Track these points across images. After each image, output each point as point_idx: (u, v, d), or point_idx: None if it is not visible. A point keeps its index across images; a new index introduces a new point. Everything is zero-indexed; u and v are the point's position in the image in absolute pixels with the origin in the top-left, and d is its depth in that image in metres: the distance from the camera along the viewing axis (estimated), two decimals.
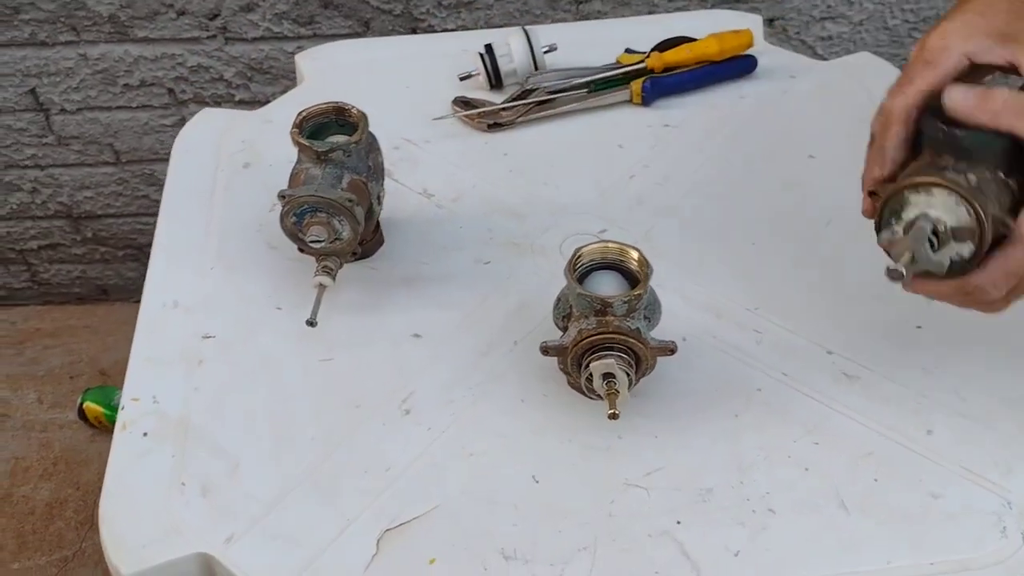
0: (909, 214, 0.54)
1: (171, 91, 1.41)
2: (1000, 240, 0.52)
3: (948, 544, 0.57)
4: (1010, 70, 0.54)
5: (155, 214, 1.56)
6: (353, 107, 0.71)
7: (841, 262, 0.74)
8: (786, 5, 1.33)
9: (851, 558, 0.56)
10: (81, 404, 1.49)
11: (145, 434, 0.64)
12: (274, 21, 1.34)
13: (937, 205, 0.52)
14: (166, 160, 1.49)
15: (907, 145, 0.56)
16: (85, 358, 1.62)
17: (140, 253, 1.64)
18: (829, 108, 0.90)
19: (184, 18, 1.33)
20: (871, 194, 0.57)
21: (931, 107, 0.54)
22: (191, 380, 0.67)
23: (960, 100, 0.52)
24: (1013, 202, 0.52)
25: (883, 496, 0.59)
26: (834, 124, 0.88)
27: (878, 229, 0.56)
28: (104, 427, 1.50)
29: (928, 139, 0.54)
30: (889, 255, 0.55)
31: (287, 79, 1.39)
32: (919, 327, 0.69)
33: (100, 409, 1.49)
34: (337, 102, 0.72)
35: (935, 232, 0.52)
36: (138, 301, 1.71)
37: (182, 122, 1.43)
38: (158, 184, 1.54)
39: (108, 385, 1.54)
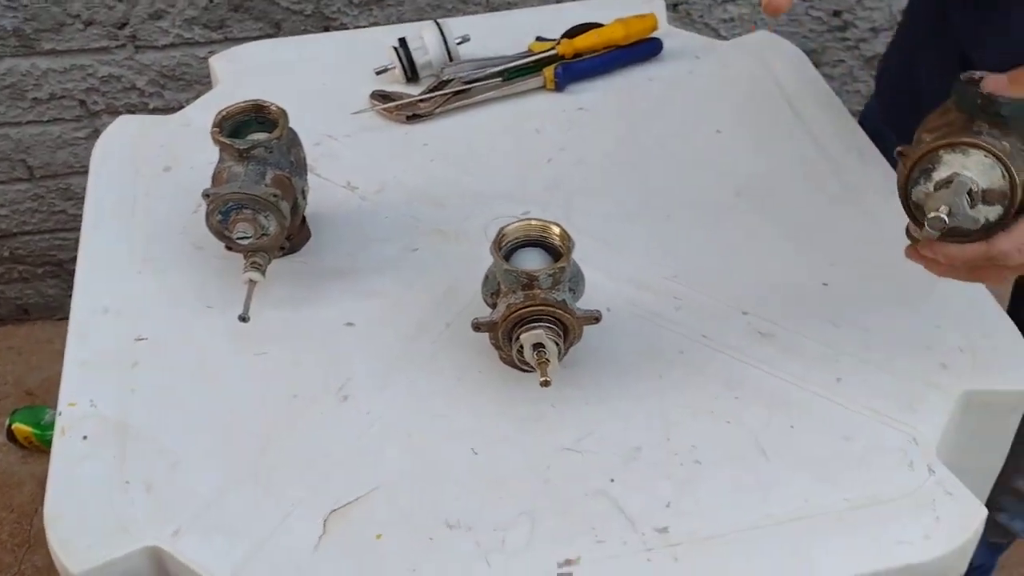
0: (942, 173, 0.55)
1: (83, 103, 1.39)
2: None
3: (861, 481, 0.61)
4: None
5: (74, 229, 1.55)
6: (272, 104, 0.73)
7: (752, 229, 0.79)
8: None
9: (773, 500, 0.60)
10: (9, 425, 1.46)
11: (85, 437, 0.64)
12: (184, 27, 1.33)
13: (971, 166, 0.54)
14: (82, 173, 1.48)
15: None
16: (10, 379, 1.59)
17: (60, 269, 1.61)
18: (732, 85, 0.94)
19: (92, 28, 1.31)
20: (899, 154, 0.58)
21: (963, 77, 0.55)
22: (127, 382, 0.68)
23: (997, 81, 0.53)
24: None
25: (799, 442, 0.63)
26: (738, 100, 0.92)
27: (905, 186, 0.57)
28: (35, 447, 1.47)
29: (964, 103, 0.55)
30: (915, 215, 0.57)
31: (201, 84, 1.38)
32: (825, 284, 0.74)
33: (29, 429, 1.46)
34: (256, 100, 0.73)
35: (969, 191, 0.54)
36: (61, 319, 1.68)
37: (96, 134, 1.41)
38: (75, 198, 1.52)
39: (36, 405, 1.51)
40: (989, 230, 0.55)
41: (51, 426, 1.46)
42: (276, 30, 1.33)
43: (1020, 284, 0.90)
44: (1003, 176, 0.53)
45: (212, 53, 1.33)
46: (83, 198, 1.51)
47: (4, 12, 1.27)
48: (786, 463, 0.62)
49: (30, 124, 1.41)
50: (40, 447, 1.47)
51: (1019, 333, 0.69)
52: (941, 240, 0.56)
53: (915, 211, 0.57)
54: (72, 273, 1.58)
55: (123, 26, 1.32)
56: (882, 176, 0.82)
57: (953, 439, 0.66)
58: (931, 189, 0.55)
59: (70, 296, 1.63)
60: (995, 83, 0.53)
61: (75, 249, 1.54)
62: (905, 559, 0.57)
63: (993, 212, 0.54)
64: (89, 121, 1.42)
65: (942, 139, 0.55)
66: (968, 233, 0.56)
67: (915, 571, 0.58)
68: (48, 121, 1.41)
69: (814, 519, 0.59)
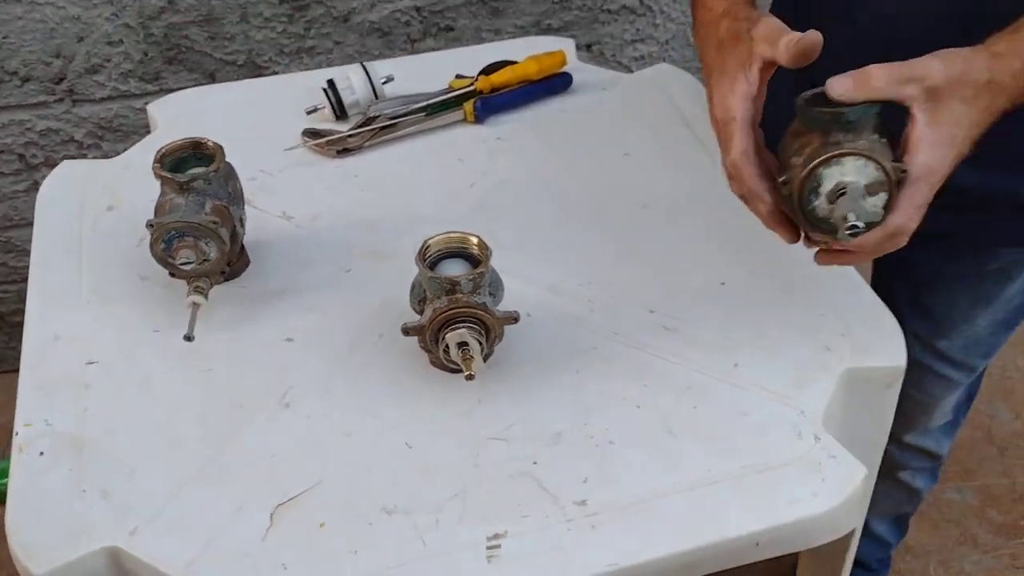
0: (828, 186, 0.62)
1: (21, 156, 1.43)
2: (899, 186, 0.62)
3: (756, 450, 0.68)
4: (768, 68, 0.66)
5: (14, 281, 1.58)
6: (209, 140, 0.79)
7: (656, 238, 0.86)
8: (601, 31, 1.48)
9: (679, 471, 0.67)
10: None
11: (41, 453, 0.69)
12: (120, 80, 1.38)
13: (850, 171, 0.61)
14: (22, 226, 1.51)
15: (768, 177, 0.65)
16: None
17: (1, 322, 1.63)
18: (637, 113, 1.02)
19: (29, 84, 1.36)
20: (783, 183, 0.64)
21: (801, 100, 0.63)
22: (80, 402, 0.72)
23: (841, 86, 0.60)
24: (893, 155, 0.62)
25: (702, 419, 0.70)
26: (642, 125, 1.00)
27: (802, 208, 0.64)
28: None
29: (815, 123, 0.63)
30: (821, 227, 0.63)
31: (138, 135, 1.42)
32: (723, 283, 0.82)
33: None
34: (194, 137, 0.79)
35: (857, 191, 0.61)
36: (4, 371, 1.69)
37: (35, 186, 1.45)
38: (15, 251, 1.54)
39: None
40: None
41: (4, 473, 1.47)
42: (210, 80, 1.39)
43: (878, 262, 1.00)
44: (876, 168, 0.61)
45: (148, 104, 1.39)
46: (24, 251, 1.55)
47: None
48: (690, 439, 0.69)
49: None
50: None
51: (892, 317, 0.78)
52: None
53: (821, 224, 0.64)
54: (13, 325, 1.61)
55: (60, 81, 1.36)
56: None
57: (840, 411, 0.74)
58: (826, 203, 0.62)
59: (11, 348, 1.65)
60: (840, 85, 0.60)
61: (16, 302, 1.57)
62: (797, 515, 0.65)
63: (881, 200, 0.62)
64: (28, 175, 1.45)
65: (814, 159, 0.62)
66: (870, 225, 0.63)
67: (806, 525, 0.65)
68: None
69: (717, 485, 0.66)
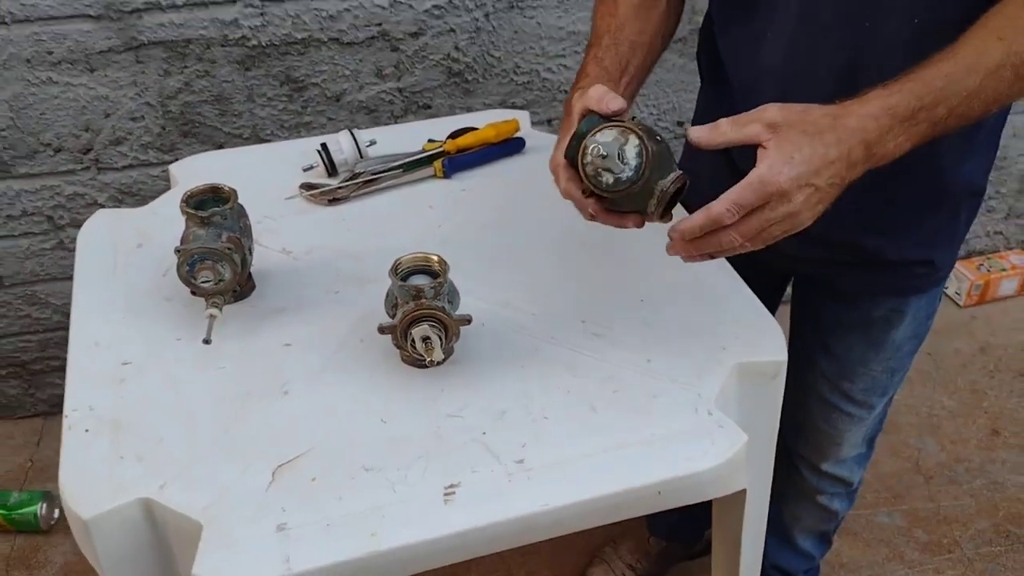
0: (590, 159, 0.79)
1: (50, 218, 1.62)
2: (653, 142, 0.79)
3: (661, 423, 0.85)
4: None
5: (37, 331, 1.75)
6: (226, 185, 0.98)
7: (590, 266, 1.05)
8: (559, 109, 1.69)
9: (600, 439, 0.84)
10: None
11: (87, 430, 0.85)
12: (140, 151, 1.58)
13: (595, 142, 0.79)
14: (46, 280, 1.70)
15: (572, 172, 0.84)
16: None
17: (22, 370, 1.79)
18: None
19: (61, 154, 1.56)
20: (583, 190, 0.84)
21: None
22: (117, 393, 0.89)
23: (697, 134, 0.78)
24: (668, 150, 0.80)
25: (620, 401, 0.88)
26: None
27: (615, 212, 0.83)
28: (2, 527, 1.61)
29: (574, 154, 0.82)
30: (597, 183, 0.81)
31: (154, 198, 1.62)
32: (642, 300, 1.00)
33: None
34: (213, 183, 0.98)
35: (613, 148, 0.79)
36: (21, 417, 1.85)
37: (60, 245, 1.64)
38: (39, 303, 1.72)
39: (1, 490, 1.66)
40: (643, 179, 0.79)
41: (19, 506, 1.62)
42: (219, 151, 1.60)
43: (795, 314, 1.18)
44: (612, 128, 0.79)
45: (164, 172, 1.59)
46: (47, 304, 1.73)
47: None
48: (610, 414, 0.86)
49: (2, 239, 1.62)
50: (7, 527, 1.61)
51: (776, 324, 0.96)
52: (681, 228, 0.79)
53: (633, 200, 0.81)
54: (34, 373, 1.78)
55: (88, 151, 1.56)
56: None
57: (736, 398, 0.91)
58: (605, 172, 0.80)
59: (30, 395, 1.82)
60: (696, 133, 0.78)
61: (38, 351, 1.74)
62: (691, 469, 0.81)
63: (634, 144, 0.78)
64: (55, 234, 1.64)
65: (580, 158, 0.81)
66: (628, 184, 0.79)
67: (698, 478, 0.82)
68: (19, 235, 1.63)
69: (629, 448, 0.83)
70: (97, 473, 0.81)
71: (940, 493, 1.72)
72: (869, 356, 1.11)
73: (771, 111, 0.75)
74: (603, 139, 0.80)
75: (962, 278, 2.17)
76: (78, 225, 1.63)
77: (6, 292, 1.69)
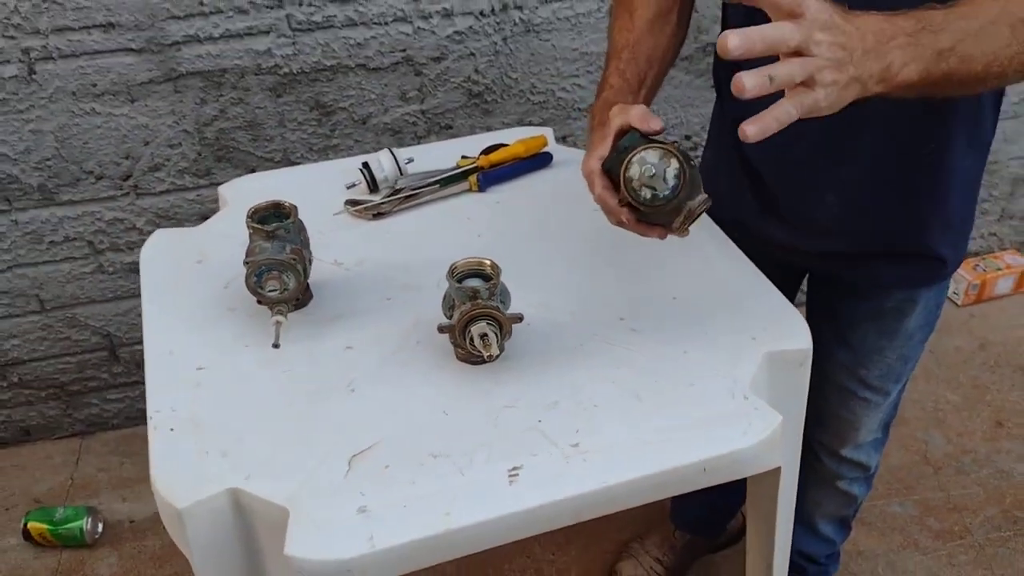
0: (635, 177, 0.87)
1: (90, 243, 1.69)
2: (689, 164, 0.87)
3: (701, 408, 0.92)
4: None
5: (73, 353, 1.82)
6: (286, 201, 1.05)
7: (623, 268, 1.13)
8: (573, 126, 1.78)
9: (647, 424, 0.91)
10: (25, 524, 1.66)
11: (172, 430, 0.92)
12: (177, 176, 1.66)
13: (639, 163, 0.87)
14: (86, 303, 1.77)
15: (607, 181, 0.92)
16: (17, 491, 1.79)
17: (61, 391, 1.85)
18: None
19: (102, 181, 1.63)
20: (620, 200, 0.91)
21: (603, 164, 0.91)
22: (195, 395, 0.96)
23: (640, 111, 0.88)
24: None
25: (662, 389, 0.95)
26: None
27: (647, 222, 0.91)
28: (48, 543, 1.67)
29: (615, 164, 0.89)
30: (636, 196, 0.88)
31: (189, 222, 1.69)
32: (674, 298, 1.08)
33: (43, 526, 1.66)
34: (275, 200, 1.06)
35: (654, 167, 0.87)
36: (59, 437, 1.91)
37: (99, 269, 1.71)
38: (79, 326, 1.78)
39: (46, 506, 1.72)
40: (677, 198, 0.87)
41: (64, 521, 1.67)
42: (252, 174, 1.67)
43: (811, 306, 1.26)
44: (655, 149, 0.87)
45: (200, 196, 1.67)
46: (87, 326, 1.79)
47: (32, 172, 1.58)
48: (654, 402, 0.93)
49: (45, 264, 1.69)
50: (53, 542, 1.67)
51: (800, 315, 1.04)
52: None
53: (657, 204, 0.89)
54: (72, 394, 1.84)
55: (128, 178, 1.64)
56: (707, 227, 1.17)
57: (766, 384, 0.99)
58: (648, 189, 0.88)
59: (68, 415, 1.88)
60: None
61: (76, 372, 1.81)
62: (731, 447, 0.89)
63: (674, 165, 0.87)
64: (95, 258, 1.71)
65: (621, 174, 0.89)
66: (664, 201, 0.88)
67: (738, 455, 0.89)
68: (60, 260, 1.69)
69: (673, 430, 0.90)
70: (185, 468, 0.88)
71: (949, 483, 1.79)
72: (883, 344, 1.19)
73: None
74: (650, 159, 0.88)
75: (959, 278, 2.26)
76: (117, 249, 1.72)
77: (47, 316, 1.75)
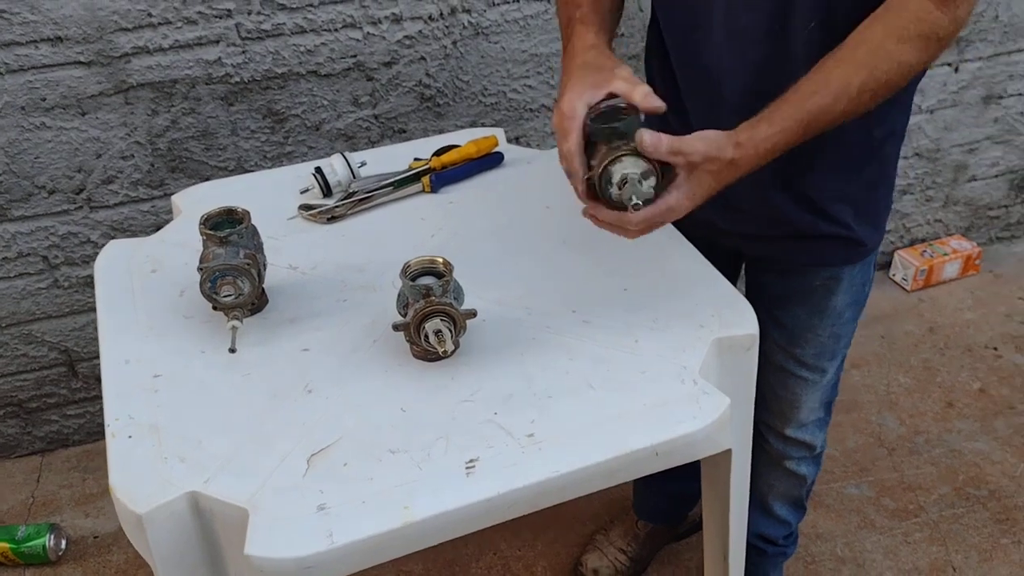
0: (616, 177, 0.91)
1: (45, 258, 1.68)
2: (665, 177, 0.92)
3: (652, 393, 0.95)
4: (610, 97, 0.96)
5: (31, 370, 1.81)
6: (239, 207, 1.06)
7: (574, 262, 1.15)
8: (525, 126, 1.80)
9: (600, 412, 0.93)
10: None
11: (130, 436, 0.93)
12: (131, 188, 1.66)
13: (628, 165, 0.91)
14: (42, 319, 1.75)
15: (585, 167, 0.94)
16: None
17: (20, 409, 1.83)
18: (553, 178, 1.31)
19: (55, 195, 1.62)
20: (588, 180, 0.94)
21: (592, 122, 0.93)
22: (153, 401, 0.97)
23: (648, 140, 0.89)
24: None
25: (614, 378, 0.97)
26: (558, 186, 1.29)
27: (595, 197, 0.94)
28: (11, 562, 1.65)
29: (602, 137, 0.92)
30: (617, 206, 0.92)
31: (144, 233, 1.69)
32: (625, 289, 1.10)
33: (5, 545, 1.64)
34: (227, 206, 1.06)
35: (636, 179, 0.91)
36: (19, 455, 1.89)
37: (55, 284, 1.70)
38: (35, 342, 1.77)
39: (7, 525, 1.70)
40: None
41: (27, 539, 1.66)
42: (205, 183, 1.67)
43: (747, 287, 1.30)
44: (645, 162, 0.91)
45: (155, 207, 1.66)
46: (43, 342, 1.78)
47: None
48: (606, 390, 0.96)
49: None
50: (16, 561, 1.66)
51: (747, 301, 1.07)
52: (643, 211, 0.92)
53: (616, 205, 0.93)
54: (30, 411, 1.82)
55: (80, 191, 1.63)
56: None
57: (716, 370, 1.01)
58: (617, 190, 0.92)
59: (27, 433, 1.86)
60: (647, 139, 0.90)
61: (33, 389, 1.79)
62: (682, 431, 0.91)
63: (651, 183, 0.92)
64: (50, 273, 1.70)
65: (603, 162, 0.92)
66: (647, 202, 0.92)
67: (689, 439, 0.92)
68: (14, 276, 1.68)
69: (626, 417, 0.92)
70: (144, 474, 0.88)
71: (903, 463, 1.84)
72: (814, 322, 1.23)
73: (697, 150, 0.90)
74: (635, 168, 0.91)
75: (907, 264, 2.31)
76: (72, 263, 1.71)
77: (2, 333, 1.74)
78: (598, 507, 1.76)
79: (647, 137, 0.90)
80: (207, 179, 1.67)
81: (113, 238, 1.69)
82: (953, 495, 1.77)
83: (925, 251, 2.33)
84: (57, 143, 1.57)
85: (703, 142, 0.91)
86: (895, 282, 2.36)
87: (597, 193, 0.94)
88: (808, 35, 1.00)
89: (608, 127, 0.92)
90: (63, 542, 1.72)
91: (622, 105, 0.94)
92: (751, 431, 1.11)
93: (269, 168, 1.70)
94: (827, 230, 1.15)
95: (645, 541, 1.65)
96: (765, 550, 1.51)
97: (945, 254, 2.32)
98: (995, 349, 2.12)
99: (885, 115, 1.07)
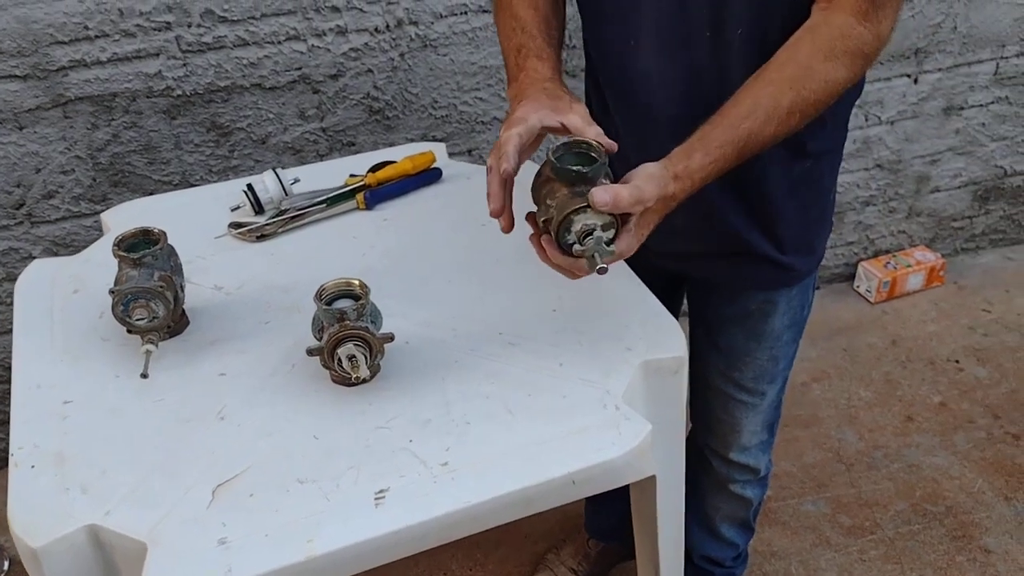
0: (576, 227, 0.88)
1: None
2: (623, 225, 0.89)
3: (572, 419, 0.93)
4: (562, 130, 0.93)
5: None
6: (155, 228, 1.04)
7: (505, 283, 1.13)
8: (478, 139, 1.78)
9: (516, 439, 0.91)
10: None
11: (32, 466, 0.90)
12: (72, 203, 1.63)
13: (591, 216, 0.87)
14: None
15: (540, 201, 0.91)
16: None
17: None
18: None
19: None
20: (543, 221, 0.90)
21: (556, 160, 0.89)
22: (60, 428, 0.94)
23: (601, 200, 0.85)
24: None
25: (534, 403, 0.95)
26: None
27: (558, 239, 0.89)
28: None
29: (565, 178, 0.88)
30: (563, 235, 0.88)
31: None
32: (554, 310, 1.08)
33: None
34: (143, 227, 1.04)
35: (596, 230, 0.87)
36: None
37: None
38: None
39: None
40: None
41: None
42: (150, 197, 1.64)
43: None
44: (608, 214, 0.88)
45: (97, 222, 1.63)
46: None
47: None
48: (525, 415, 0.93)
49: None
50: None
51: (676, 322, 1.05)
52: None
53: (569, 253, 0.90)
54: None
55: (20, 207, 1.60)
56: None
57: (643, 394, 0.99)
58: (576, 238, 0.88)
59: None
60: (600, 198, 0.85)
61: None
62: (601, 458, 0.89)
63: (611, 233, 0.89)
64: None
65: (566, 208, 0.87)
66: (579, 253, 0.89)
67: (608, 466, 0.89)
68: None
69: (544, 444, 0.90)
70: (44, 505, 0.86)
71: (861, 479, 1.82)
72: (751, 346, 1.21)
73: (649, 195, 0.88)
74: (600, 220, 0.87)
75: (871, 276, 2.30)
76: (14, 279, 1.67)
77: None
78: (551, 524, 1.73)
79: (607, 197, 0.86)
80: (151, 193, 1.65)
81: (56, 254, 1.66)
82: (910, 511, 1.75)
83: (889, 263, 2.32)
84: None
85: (652, 184, 0.88)
86: (859, 294, 2.34)
87: (545, 231, 0.91)
88: (740, 43, 0.98)
89: (574, 170, 0.88)
90: (6, 563, 1.69)
91: (589, 142, 0.91)
92: (682, 456, 1.09)
93: (215, 182, 1.67)
94: (756, 253, 1.13)
95: (596, 560, 1.62)
96: (713, 572, 1.48)
97: (909, 266, 2.30)
98: (957, 362, 2.11)
99: (816, 132, 1.05)
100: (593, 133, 0.91)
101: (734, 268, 1.15)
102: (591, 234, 0.87)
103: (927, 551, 1.67)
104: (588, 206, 0.87)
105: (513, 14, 1.04)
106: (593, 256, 0.87)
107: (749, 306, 1.18)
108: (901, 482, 1.81)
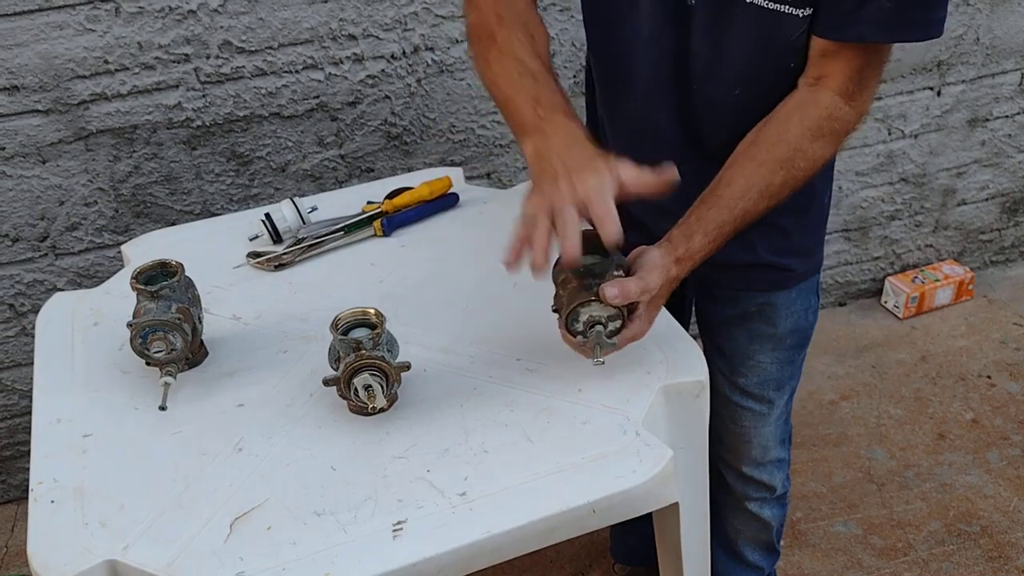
0: (583, 318, 0.93)
1: (11, 306, 1.67)
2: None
3: (592, 446, 0.91)
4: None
5: (4, 418, 1.79)
6: (173, 260, 1.04)
7: (523, 309, 1.12)
8: (496, 162, 1.78)
9: (536, 467, 0.90)
10: None
11: (52, 501, 0.90)
12: (95, 234, 1.64)
13: (596, 308, 0.92)
14: (11, 367, 1.74)
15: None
16: None
17: None
18: (509, 217, 1.29)
19: (19, 244, 1.61)
20: (554, 309, 0.97)
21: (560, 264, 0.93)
22: (80, 463, 0.94)
23: (612, 294, 0.89)
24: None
25: (554, 429, 0.94)
26: (510, 228, 1.27)
27: (567, 327, 0.94)
28: None
29: (575, 274, 0.93)
30: (572, 323, 0.93)
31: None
32: None
33: None
34: (161, 259, 1.04)
35: (601, 322, 0.93)
36: None
37: (23, 332, 1.69)
38: (6, 390, 1.75)
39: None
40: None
41: None
42: (169, 228, 1.65)
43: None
44: (615, 308, 0.92)
45: (120, 253, 1.65)
46: (14, 390, 1.77)
47: None
48: (544, 443, 0.92)
49: None
50: None
51: (697, 346, 1.03)
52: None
53: (577, 338, 0.95)
54: (3, 459, 1.81)
55: (44, 239, 1.62)
56: None
57: (664, 418, 0.98)
58: (582, 327, 0.93)
59: (2, 481, 1.84)
60: (611, 292, 0.89)
61: (6, 437, 1.76)
62: (622, 487, 0.87)
63: (617, 324, 0.94)
64: (17, 321, 1.68)
65: (574, 301, 0.92)
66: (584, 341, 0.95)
67: (629, 494, 0.88)
68: None
69: (563, 472, 0.89)
70: (63, 540, 0.86)
71: (892, 499, 1.78)
72: (754, 348, 1.21)
73: (655, 284, 0.93)
74: (604, 312, 0.93)
75: (899, 291, 2.26)
76: (39, 311, 1.69)
77: None
78: (577, 548, 1.72)
79: (615, 291, 0.90)
80: (173, 223, 1.66)
81: (80, 285, 1.68)
82: (944, 532, 1.71)
83: (916, 277, 2.28)
84: (18, 191, 1.56)
85: (655, 273, 0.93)
86: (887, 309, 2.31)
87: (557, 314, 0.97)
88: (735, 97, 1.02)
89: (584, 265, 0.92)
90: None
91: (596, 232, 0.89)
92: (706, 481, 1.07)
93: (236, 211, 1.68)
94: (752, 257, 1.14)
95: None
96: None
97: (937, 280, 2.27)
98: (989, 377, 2.07)
99: None
100: (615, 233, 0.86)
101: (732, 272, 1.16)
102: (596, 325, 0.93)
103: (962, 572, 1.63)
104: (593, 300, 0.92)
105: (517, 59, 0.99)
106: (595, 348, 0.93)
107: (748, 308, 1.20)
108: (934, 501, 1.77)
